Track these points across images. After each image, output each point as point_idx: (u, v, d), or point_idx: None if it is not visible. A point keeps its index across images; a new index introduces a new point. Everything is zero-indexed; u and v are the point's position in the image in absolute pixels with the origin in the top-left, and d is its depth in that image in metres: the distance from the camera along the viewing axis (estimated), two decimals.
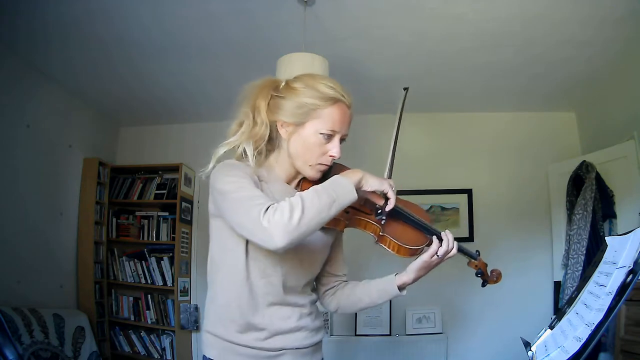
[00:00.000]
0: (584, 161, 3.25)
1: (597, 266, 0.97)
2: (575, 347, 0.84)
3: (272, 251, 1.01)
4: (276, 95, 1.19)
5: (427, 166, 3.96)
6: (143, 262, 3.88)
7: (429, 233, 1.23)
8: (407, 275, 1.25)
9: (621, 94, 3.20)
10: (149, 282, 3.84)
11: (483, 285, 1.34)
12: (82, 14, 2.56)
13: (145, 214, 3.99)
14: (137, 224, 3.97)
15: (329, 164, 1.19)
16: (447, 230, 1.23)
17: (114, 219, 3.98)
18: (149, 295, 3.85)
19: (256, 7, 2.52)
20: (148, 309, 3.83)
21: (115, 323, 3.82)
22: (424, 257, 1.21)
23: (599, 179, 3.11)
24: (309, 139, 1.15)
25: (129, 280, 3.87)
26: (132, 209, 4.06)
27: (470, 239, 3.82)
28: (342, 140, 1.19)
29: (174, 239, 3.83)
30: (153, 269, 3.85)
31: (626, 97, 3.13)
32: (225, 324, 1.17)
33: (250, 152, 1.17)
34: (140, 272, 3.88)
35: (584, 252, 2.98)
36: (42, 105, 3.29)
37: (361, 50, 3.00)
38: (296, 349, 1.21)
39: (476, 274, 1.32)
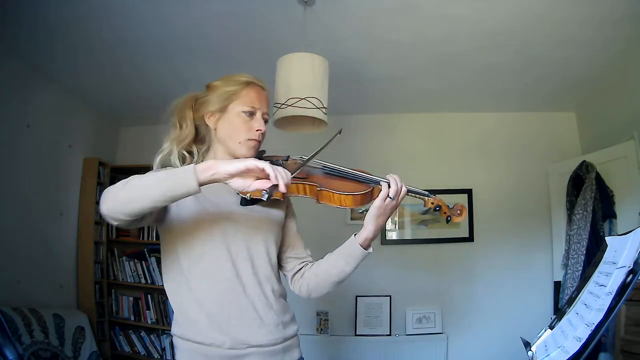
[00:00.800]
0: (584, 161, 3.25)
1: (597, 266, 0.97)
2: (575, 347, 0.84)
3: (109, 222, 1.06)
4: (200, 98, 1.34)
5: (427, 166, 3.95)
6: (143, 262, 3.88)
7: (372, 182, 1.24)
8: (365, 229, 1.24)
9: (621, 94, 3.20)
10: (149, 282, 3.84)
11: (447, 221, 1.31)
12: (83, 14, 2.55)
13: None
14: None
15: (257, 138, 1.29)
16: (391, 173, 1.24)
17: None
18: (149, 295, 3.85)
19: (256, 7, 2.52)
20: (148, 309, 3.84)
21: (115, 323, 3.83)
22: (377, 202, 1.21)
23: (599, 179, 3.11)
24: (234, 120, 1.28)
25: (129, 280, 3.88)
26: None
27: (470, 239, 3.82)
28: (265, 120, 1.31)
29: None
30: (153, 269, 3.85)
31: (626, 97, 3.13)
32: (188, 324, 1.18)
33: (175, 152, 1.27)
34: (140, 272, 3.88)
35: (584, 252, 2.98)
36: (42, 105, 3.28)
37: (361, 50, 2.99)
38: (261, 346, 1.19)
39: (434, 210, 1.29)
